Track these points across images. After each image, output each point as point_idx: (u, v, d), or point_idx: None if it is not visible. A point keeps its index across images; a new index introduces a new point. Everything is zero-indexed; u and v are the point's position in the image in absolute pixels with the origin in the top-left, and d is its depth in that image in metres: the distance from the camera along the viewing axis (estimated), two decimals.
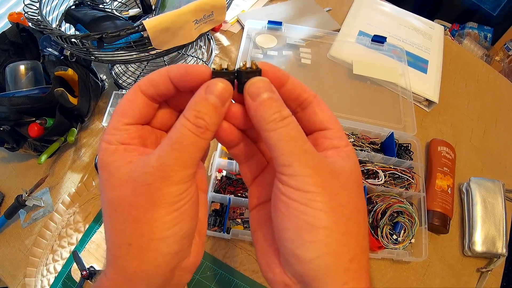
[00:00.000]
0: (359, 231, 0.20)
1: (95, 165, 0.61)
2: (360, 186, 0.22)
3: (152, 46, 0.51)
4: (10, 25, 0.64)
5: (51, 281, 0.53)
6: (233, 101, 0.22)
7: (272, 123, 0.20)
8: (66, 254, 0.55)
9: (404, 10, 0.89)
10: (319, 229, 0.19)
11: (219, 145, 0.58)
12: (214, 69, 0.21)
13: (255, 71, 0.21)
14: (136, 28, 0.46)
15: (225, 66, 0.21)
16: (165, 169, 0.19)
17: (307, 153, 0.20)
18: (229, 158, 0.57)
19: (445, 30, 0.88)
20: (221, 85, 0.20)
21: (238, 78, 0.21)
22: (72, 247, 0.55)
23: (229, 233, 0.53)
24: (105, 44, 0.48)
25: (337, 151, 0.22)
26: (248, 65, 0.21)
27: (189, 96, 0.21)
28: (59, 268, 0.54)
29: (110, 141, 0.21)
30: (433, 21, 0.89)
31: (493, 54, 1.54)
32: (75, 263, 0.52)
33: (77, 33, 0.62)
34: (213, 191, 0.55)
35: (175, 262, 0.21)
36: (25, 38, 0.64)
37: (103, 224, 0.56)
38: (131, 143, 0.21)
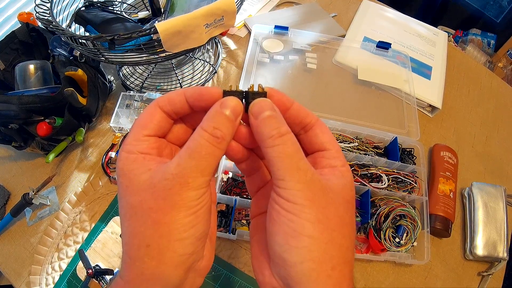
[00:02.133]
0: (343, 243, 0.22)
1: (102, 165, 0.62)
2: (350, 202, 0.23)
3: (161, 48, 0.51)
4: (20, 25, 0.64)
5: (56, 279, 0.53)
6: (242, 122, 0.24)
7: (270, 139, 0.21)
8: (71, 253, 0.55)
9: (408, 16, 0.90)
10: (304, 236, 0.21)
11: None
12: (224, 90, 0.23)
13: (261, 93, 0.23)
14: (148, 31, 0.46)
15: (234, 88, 0.23)
16: (184, 176, 0.21)
17: (301, 169, 0.21)
18: None
19: (448, 36, 0.89)
20: (234, 101, 0.22)
21: (246, 98, 0.23)
22: (78, 246, 0.56)
23: (234, 234, 0.53)
24: (116, 46, 0.49)
25: (333, 170, 0.24)
26: (255, 88, 0.23)
27: (202, 115, 0.22)
28: (64, 266, 0.54)
29: (131, 150, 0.22)
30: (436, 27, 0.89)
31: (496, 61, 1.55)
32: (80, 261, 0.52)
33: (87, 34, 0.62)
34: (219, 192, 0.56)
35: (190, 262, 0.22)
36: (35, 38, 0.64)
37: (109, 225, 0.57)
38: (150, 153, 0.23)
